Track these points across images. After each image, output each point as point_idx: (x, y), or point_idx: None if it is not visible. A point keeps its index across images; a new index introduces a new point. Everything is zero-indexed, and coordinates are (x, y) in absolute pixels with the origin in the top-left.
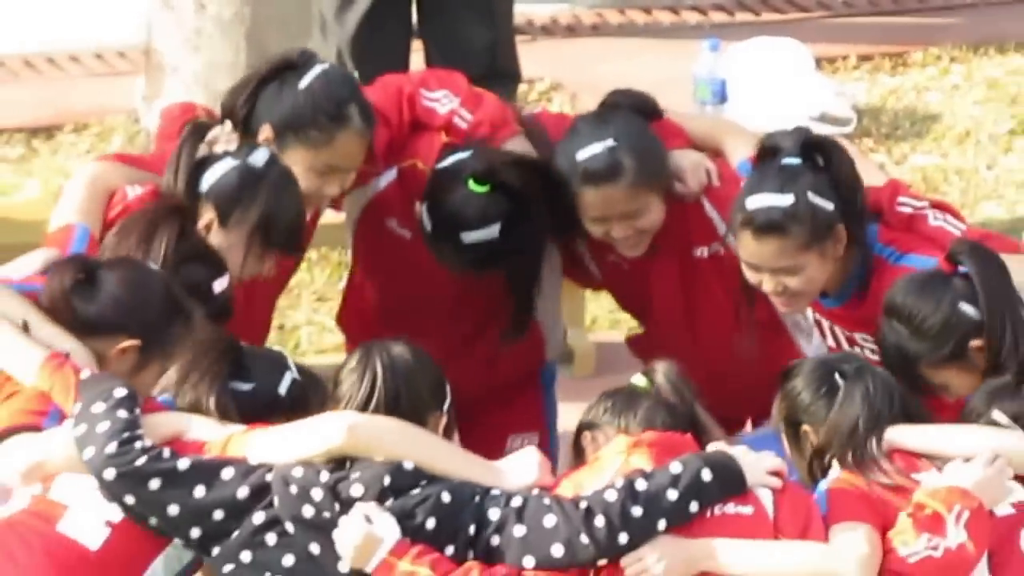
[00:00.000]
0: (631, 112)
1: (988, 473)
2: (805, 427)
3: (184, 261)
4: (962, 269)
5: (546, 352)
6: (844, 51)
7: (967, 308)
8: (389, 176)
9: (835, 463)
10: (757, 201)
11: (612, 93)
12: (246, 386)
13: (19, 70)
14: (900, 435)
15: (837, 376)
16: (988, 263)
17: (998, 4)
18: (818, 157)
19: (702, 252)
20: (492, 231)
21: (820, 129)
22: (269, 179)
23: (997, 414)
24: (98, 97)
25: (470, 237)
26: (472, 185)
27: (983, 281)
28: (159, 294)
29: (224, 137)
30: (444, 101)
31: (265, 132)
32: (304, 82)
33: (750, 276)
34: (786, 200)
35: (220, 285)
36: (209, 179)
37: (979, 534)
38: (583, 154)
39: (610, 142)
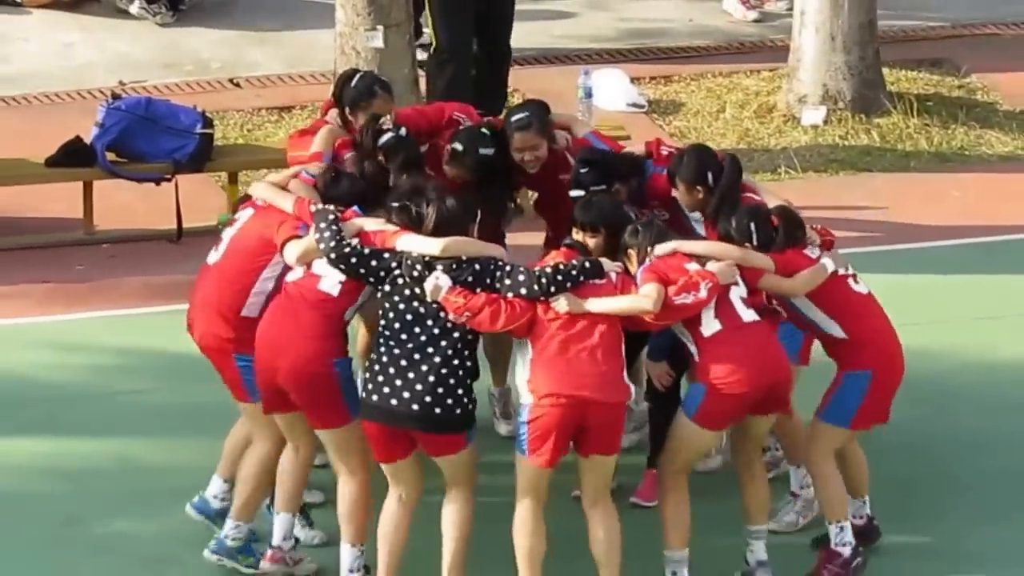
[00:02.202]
0: (538, 106)
1: (725, 268)
2: (629, 250)
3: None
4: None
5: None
6: (644, 73)
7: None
8: (424, 147)
9: (647, 259)
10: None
11: (528, 99)
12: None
13: (276, 82)
14: (680, 244)
15: (639, 227)
16: (733, 167)
17: (716, 54)
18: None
19: (562, 177)
20: (490, 151)
21: (629, 110)
22: (406, 140)
23: None
24: (309, 94)
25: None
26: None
27: (727, 172)
28: (361, 191)
29: (386, 122)
30: (462, 119)
31: (348, 109)
32: (353, 83)
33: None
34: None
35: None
36: (382, 140)
37: (711, 295)
38: (514, 118)
39: (527, 114)
